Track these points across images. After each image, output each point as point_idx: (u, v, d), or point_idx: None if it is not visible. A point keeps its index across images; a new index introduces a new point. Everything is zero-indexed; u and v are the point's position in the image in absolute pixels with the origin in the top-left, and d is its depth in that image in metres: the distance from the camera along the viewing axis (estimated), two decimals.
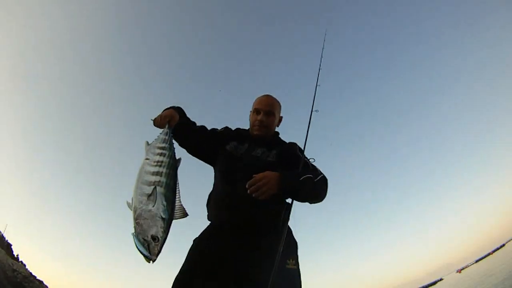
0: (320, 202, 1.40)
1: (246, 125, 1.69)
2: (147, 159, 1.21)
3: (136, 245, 0.96)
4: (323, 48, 2.22)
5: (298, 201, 1.35)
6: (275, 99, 1.63)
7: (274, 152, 1.47)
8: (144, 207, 1.01)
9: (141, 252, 0.94)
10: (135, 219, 1.00)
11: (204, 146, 1.58)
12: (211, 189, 1.54)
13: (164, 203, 1.04)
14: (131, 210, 1.05)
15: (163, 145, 1.27)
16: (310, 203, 1.39)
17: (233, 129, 1.68)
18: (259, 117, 1.55)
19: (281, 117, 1.67)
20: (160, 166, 1.16)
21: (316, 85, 1.86)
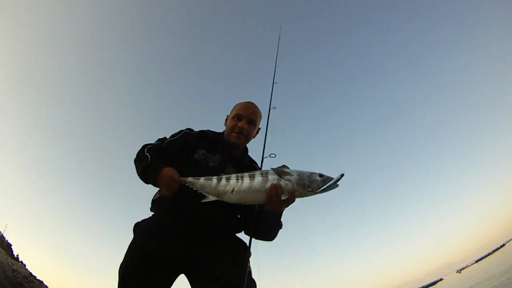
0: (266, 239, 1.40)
1: (206, 126, 1.60)
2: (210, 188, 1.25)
3: (331, 186, 1.09)
4: (278, 46, 2.26)
5: (261, 229, 1.34)
6: (258, 108, 1.58)
7: None
8: (303, 181, 1.12)
9: (335, 183, 1.08)
10: (302, 188, 1.11)
11: (177, 162, 1.39)
12: None
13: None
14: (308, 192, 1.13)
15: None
16: (261, 237, 1.37)
17: (194, 130, 1.53)
18: (240, 124, 1.46)
19: (259, 128, 1.60)
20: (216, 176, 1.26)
21: (273, 82, 1.90)
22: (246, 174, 1.20)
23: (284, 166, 1.23)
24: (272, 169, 1.17)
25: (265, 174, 1.17)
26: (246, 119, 1.47)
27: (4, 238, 27.12)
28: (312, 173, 1.12)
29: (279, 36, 2.38)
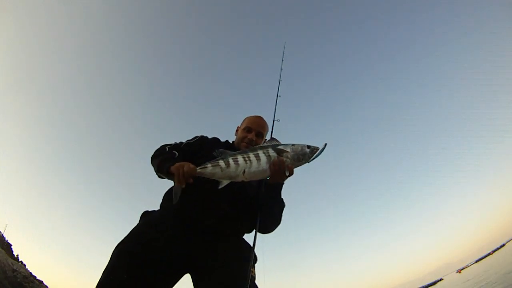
0: (270, 229, 1.47)
1: (213, 134, 1.70)
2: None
3: (318, 156, 1.30)
4: (282, 60, 2.36)
5: (267, 204, 1.42)
6: (266, 122, 1.73)
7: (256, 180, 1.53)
8: (294, 155, 1.29)
9: (321, 152, 1.30)
10: (297, 161, 1.29)
11: (195, 159, 1.44)
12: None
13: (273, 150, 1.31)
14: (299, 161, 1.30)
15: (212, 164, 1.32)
16: (268, 216, 1.43)
17: (209, 137, 1.65)
18: (249, 136, 1.61)
19: (266, 140, 1.74)
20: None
21: (277, 96, 2.01)
22: (251, 154, 1.30)
23: (273, 139, 1.39)
24: (272, 148, 1.31)
25: (266, 152, 1.30)
26: (255, 132, 1.63)
27: (4, 238, 27.10)
28: (302, 147, 1.30)
29: (283, 51, 2.46)
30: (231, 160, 1.28)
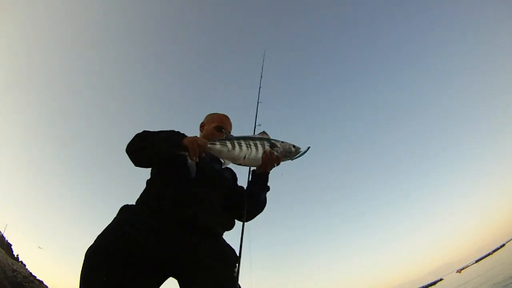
0: (255, 215, 1.50)
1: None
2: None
3: (303, 154, 1.45)
4: (262, 68, 2.40)
5: (254, 191, 1.47)
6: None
7: (228, 172, 1.58)
8: (283, 151, 1.42)
9: (303, 154, 1.45)
10: (284, 157, 1.42)
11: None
12: (150, 177, 1.38)
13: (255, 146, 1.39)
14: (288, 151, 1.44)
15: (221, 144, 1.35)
16: (254, 210, 1.48)
17: None
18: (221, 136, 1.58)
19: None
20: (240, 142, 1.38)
21: (258, 102, 2.05)
22: (251, 142, 1.39)
23: (264, 132, 1.49)
24: (269, 141, 1.42)
25: (263, 144, 1.40)
26: (226, 131, 1.59)
27: (4, 238, 27.07)
28: (289, 145, 1.45)
29: (263, 59, 2.51)
30: (236, 144, 1.36)
